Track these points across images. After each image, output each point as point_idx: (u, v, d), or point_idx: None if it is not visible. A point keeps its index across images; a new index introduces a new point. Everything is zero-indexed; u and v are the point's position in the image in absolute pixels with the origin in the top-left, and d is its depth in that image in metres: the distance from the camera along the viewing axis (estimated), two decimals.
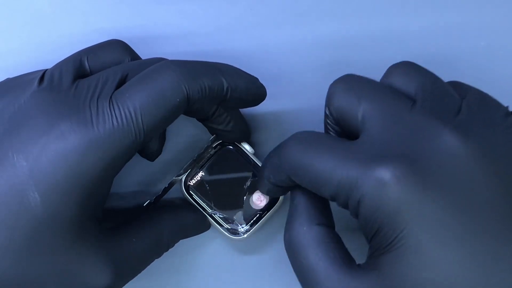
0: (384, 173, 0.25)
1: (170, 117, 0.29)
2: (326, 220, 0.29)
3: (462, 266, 0.25)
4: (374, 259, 0.26)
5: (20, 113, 0.29)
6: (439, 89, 0.28)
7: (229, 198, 0.35)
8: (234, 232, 0.35)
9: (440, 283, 0.25)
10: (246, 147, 0.35)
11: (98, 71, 0.31)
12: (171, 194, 0.36)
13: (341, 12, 0.36)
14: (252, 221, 0.35)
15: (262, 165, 0.32)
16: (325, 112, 0.30)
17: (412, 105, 0.27)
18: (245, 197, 0.35)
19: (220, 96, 0.30)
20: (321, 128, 0.31)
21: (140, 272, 0.32)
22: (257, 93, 0.32)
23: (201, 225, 0.36)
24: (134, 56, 0.32)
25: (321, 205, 0.30)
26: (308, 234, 0.28)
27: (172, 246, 0.34)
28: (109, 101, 0.28)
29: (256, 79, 0.32)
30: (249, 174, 0.35)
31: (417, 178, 0.25)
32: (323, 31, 0.36)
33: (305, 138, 0.29)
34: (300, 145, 0.28)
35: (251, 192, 0.35)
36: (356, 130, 0.28)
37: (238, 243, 0.36)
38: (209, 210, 0.35)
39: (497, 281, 0.25)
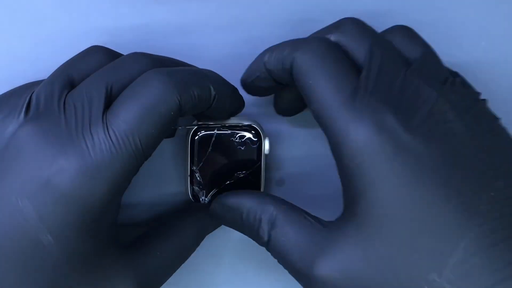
0: (367, 125, 0.27)
1: (165, 131, 0.29)
2: None
3: (436, 208, 0.26)
4: (350, 206, 0.28)
5: (12, 149, 0.28)
6: (434, 59, 0.30)
7: (216, 173, 0.34)
8: (195, 197, 0.34)
9: (411, 224, 0.26)
10: (266, 146, 0.34)
11: None
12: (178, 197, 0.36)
13: None
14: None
15: (262, 58, 0.32)
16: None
17: (408, 67, 0.29)
18: (227, 182, 0.34)
19: (207, 105, 0.30)
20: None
21: (166, 281, 0.32)
22: (237, 104, 0.32)
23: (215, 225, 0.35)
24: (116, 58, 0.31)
25: None
26: None
27: (195, 249, 0.34)
28: (103, 127, 0.27)
29: (237, 89, 0.32)
30: (248, 169, 0.34)
31: (400, 130, 0.27)
32: None
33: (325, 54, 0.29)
34: (318, 59, 0.29)
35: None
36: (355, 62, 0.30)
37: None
38: (194, 167, 0.34)
39: (475, 223, 0.26)
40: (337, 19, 0.31)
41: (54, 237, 0.27)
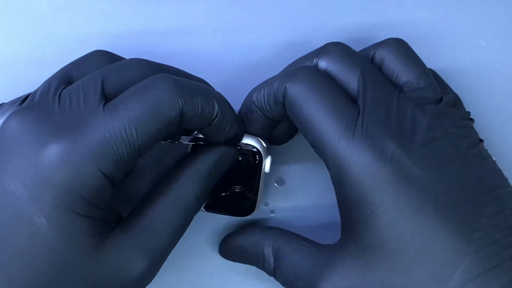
0: (369, 154, 0.28)
1: (164, 131, 0.28)
2: None
3: (436, 236, 0.27)
4: (349, 231, 0.29)
5: (3, 136, 0.28)
6: (427, 79, 0.30)
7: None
8: None
9: (412, 250, 0.27)
10: (267, 165, 0.34)
11: None
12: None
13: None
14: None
15: (251, 99, 0.32)
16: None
17: (400, 92, 0.30)
18: (223, 194, 0.34)
19: (209, 120, 0.30)
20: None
21: (174, 246, 0.30)
22: (237, 131, 0.31)
23: (232, 155, 0.32)
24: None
25: None
26: None
27: (205, 199, 0.31)
28: (99, 112, 0.27)
29: (238, 118, 0.32)
30: (247, 185, 0.34)
31: (400, 157, 0.28)
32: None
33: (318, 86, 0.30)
34: (310, 91, 0.30)
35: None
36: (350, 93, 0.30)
37: None
38: None
39: (471, 250, 0.27)
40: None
41: (46, 218, 0.26)
